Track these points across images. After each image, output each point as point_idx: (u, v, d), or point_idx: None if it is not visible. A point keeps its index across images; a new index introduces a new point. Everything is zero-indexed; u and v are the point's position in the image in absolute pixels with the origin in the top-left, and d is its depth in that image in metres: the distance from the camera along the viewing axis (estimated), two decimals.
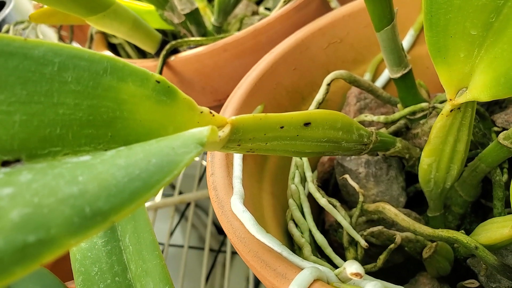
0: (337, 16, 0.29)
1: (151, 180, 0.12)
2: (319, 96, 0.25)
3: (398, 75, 0.24)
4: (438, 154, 0.21)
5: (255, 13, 0.41)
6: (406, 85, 0.24)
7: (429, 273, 0.23)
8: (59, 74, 0.14)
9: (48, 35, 0.74)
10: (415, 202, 0.27)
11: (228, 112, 0.25)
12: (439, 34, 0.17)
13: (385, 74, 0.31)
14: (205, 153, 0.47)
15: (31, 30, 0.62)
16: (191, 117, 0.15)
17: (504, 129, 0.27)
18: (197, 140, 0.14)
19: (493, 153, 0.22)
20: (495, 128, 0.27)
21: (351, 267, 0.14)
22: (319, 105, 0.25)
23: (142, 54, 0.44)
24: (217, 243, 0.61)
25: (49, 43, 0.14)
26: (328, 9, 0.32)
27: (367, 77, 0.31)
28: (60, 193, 0.10)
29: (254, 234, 0.17)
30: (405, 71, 0.24)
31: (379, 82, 0.31)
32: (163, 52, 0.31)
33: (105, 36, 0.44)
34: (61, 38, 0.61)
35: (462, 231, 0.22)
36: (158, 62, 0.31)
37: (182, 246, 0.50)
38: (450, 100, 0.19)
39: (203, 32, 0.35)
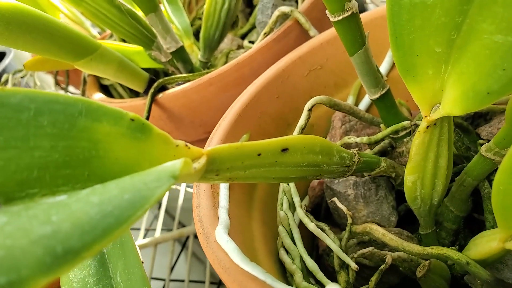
0: (315, 43, 0.30)
1: (123, 215, 0.12)
2: (301, 122, 0.26)
3: (377, 96, 0.24)
4: (421, 171, 0.21)
5: (240, 46, 0.43)
6: (386, 105, 0.25)
7: None
8: (35, 119, 0.14)
9: (46, 80, 0.76)
10: (407, 221, 0.27)
11: (214, 143, 0.25)
12: (406, 54, 0.18)
13: (368, 97, 0.32)
14: None
15: (29, 77, 0.64)
16: (167, 151, 0.16)
17: (489, 141, 0.27)
18: (170, 173, 0.14)
19: (477, 166, 0.22)
20: (481, 141, 0.27)
21: None
22: (302, 131, 0.26)
23: (134, 93, 0.45)
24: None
25: (26, 91, 0.14)
26: (308, 37, 0.33)
27: (350, 100, 0.31)
28: (33, 234, 0.11)
29: (238, 264, 0.17)
30: (383, 91, 0.24)
31: (363, 105, 0.32)
32: (151, 90, 0.32)
33: (97, 78, 0.45)
34: (57, 83, 0.62)
35: (454, 247, 0.22)
36: (147, 100, 0.32)
37: (183, 281, 0.49)
38: (425, 116, 0.19)
39: (189, 68, 0.36)
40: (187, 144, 0.16)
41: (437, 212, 0.24)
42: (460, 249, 0.24)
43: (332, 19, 0.21)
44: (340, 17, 0.21)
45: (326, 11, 0.21)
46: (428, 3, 0.16)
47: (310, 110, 0.25)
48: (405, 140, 0.26)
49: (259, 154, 0.17)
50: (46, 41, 0.26)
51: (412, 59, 0.18)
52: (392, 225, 0.26)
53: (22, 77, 0.71)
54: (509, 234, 0.18)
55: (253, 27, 0.44)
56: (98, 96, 0.39)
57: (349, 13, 0.20)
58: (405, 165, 0.26)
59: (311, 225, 0.23)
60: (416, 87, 0.19)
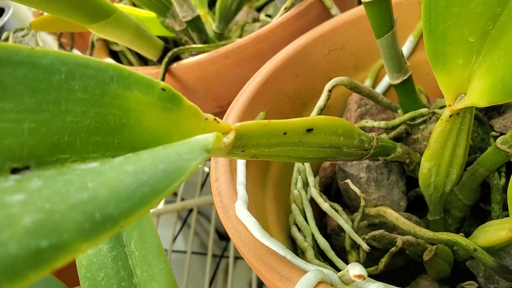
0: (338, 23, 0.30)
1: (159, 185, 0.12)
2: (320, 102, 0.25)
3: (398, 81, 0.24)
4: (438, 158, 0.21)
5: (256, 20, 0.42)
6: (406, 91, 0.25)
7: (429, 275, 0.24)
8: (66, 83, 0.14)
9: (48, 42, 0.74)
10: (416, 206, 0.27)
11: (231, 118, 0.25)
12: (438, 41, 0.18)
13: (386, 80, 0.31)
14: (208, 160, 0.47)
15: (31, 37, 0.63)
16: (196, 124, 0.16)
17: (502, 133, 0.27)
18: (203, 147, 0.14)
19: (491, 158, 0.22)
20: (493, 133, 0.27)
21: (354, 269, 0.14)
22: (321, 111, 0.26)
23: (143, 61, 0.44)
24: (220, 249, 0.61)
25: (56, 52, 0.14)
26: (329, 16, 0.32)
27: (367, 83, 0.31)
28: (71, 199, 0.11)
29: (259, 238, 0.17)
30: (405, 77, 0.24)
31: (380, 88, 0.31)
32: (165, 59, 0.32)
33: (106, 43, 0.44)
34: (61, 45, 0.61)
35: (462, 234, 0.22)
36: (161, 69, 0.32)
37: (185, 252, 0.50)
38: (449, 105, 0.19)
39: (204, 39, 0.35)
40: (216, 118, 0.16)
41: (446, 200, 0.25)
42: (465, 236, 0.24)
43: (364, 0, 0.21)
44: None
45: None
46: None
47: (330, 91, 0.25)
48: (421, 127, 0.26)
49: (285, 133, 0.17)
50: (62, 1, 0.25)
51: (444, 47, 0.18)
52: (402, 209, 0.26)
53: (23, 36, 0.70)
54: None
55: (269, 0, 0.44)
56: (108, 61, 0.39)
57: None
58: (419, 152, 0.26)
59: (325, 205, 0.23)
60: (444, 75, 0.18)
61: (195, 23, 0.34)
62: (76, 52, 0.68)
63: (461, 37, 0.17)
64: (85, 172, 0.13)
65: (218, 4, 0.37)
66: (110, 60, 0.40)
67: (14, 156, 0.13)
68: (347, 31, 0.30)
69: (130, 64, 0.42)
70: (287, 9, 0.32)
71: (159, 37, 0.40)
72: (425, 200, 0.25)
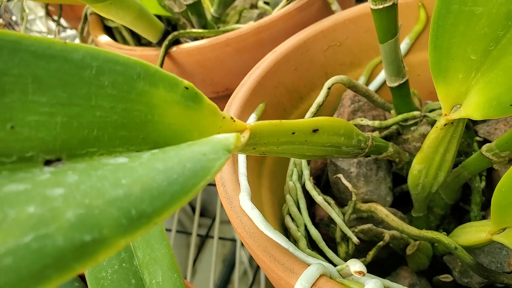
0: (339, 20, 0.31)
1: (188, 184, 0.13)
2: (319, 98, 0.26)
3: (396, 84, 0.25)
4: (429, 162, 0.23)
5: (253, 5, 0.42)
6: (402, 94, 0.26)
7: (409, 267, 0.26)
8: (96, 78, 0.14)
9: (33, 9, 0.72)
10: (400, 202, 0.29)
11: (233, 109, 0.26)
12: (442, 55, 0.19)
13: (379, 79, 0.33)
14: None
15: (17, 2, 0.60)
16: (214, 122, 0.16)
17: (485, 139, 0.29)
18: (225, 147, 0.15)
19: (475, 163, 0.24)
20: (477, 138, 0.29)
21: (355, 266, 0.16)
22: (319, 107, 0.27)
23: (137, 38, 0.44)
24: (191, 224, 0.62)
25: (87, 47, 0.14)
26: (329, 11, 0.33)
27: (361, 80, 0.32)
28: (107, 195, 0.11)
29: (263, 230, 0.19)
30: (402, 81, 0.25)
31: (373, 86, 0.33)
32: (165, 43, 0.32)
33: (101, 18, 0.43)
34: (48, 14, 0.59)
35: (443, 232, 0.24)
36: (160, 52, 0.32)
37: (170, 230, 0.51)
38: (445, 115, 0.20)
39: (203, 23, 0.35)
40: (232, 117, 0.17)
41: (430, 199, 0.26)
42: (445, 232, 0.26)
43: (372, 7, 0.21)
44: (381, 6, 0.21)
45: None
46: (476, 12, 0.17)
47: (329, 88, 0.26)
48: (412, 128, 0.27)
49: (293, 133, 0.18)
50: None
51: (447, 62, 0.19)
52: (388, 204, 0.28)
53: (8, 1, 0.67)
54: (498, 228, 0.20)
55: None
56: (104, 39, 0.38)
57: (390, 3, 0.21)
58: (408, 151, 0.28)
59: (319, 198, 0.24)
60: (444, 87, 0.20)
61: (196, 7, 0.34)
62: (63, 22, 0.66)
63: (464, 54, 0.18)
64: (117, 168, 0.13)
65: None
66: (104, 37, 0.40)
67: (48, 148, 0.13)
68: (347, 29, 0.31)
69: (124, 41, 0.41)
70: (288, 1, 0.33)
71: (156, 16, 0.39)
72: (409, 197, 0.27)
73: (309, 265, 0.17)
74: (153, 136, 0.15)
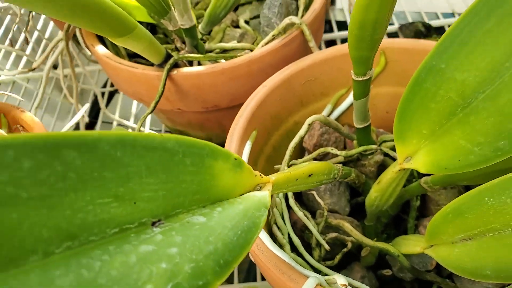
0: (317, 59, 0.37)
1: (247, 237, 0.19)
2: (301, 132, 0.33)
3: (361, 126, 0.33)
4: (383, 192, 0.31)
5: (234, 22, 0.46)
6: (365, 133, 0.34)
7: (361, 263, 0.34)
8: (182, 160, 0.20)
9: None
10: (355, 211, 0.38)
11: (235, 139, 0.32)
12: (403, 127, 0.26)
13: (342, 107, 0.40)
14: None
15: None
16: (250, 179, 0.23)
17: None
18: (264, 205, 0.21)
19: (415, 189, 0.33)
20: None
21: (340, 279, 0.23)
22: (301, 139, 0.33)
23: (128, 50, 0.46)
24: None
25: (175, 137, 0.20)
26: (307, 47, 0.39)
27: (328, 107, 0.39)
28: (204, 250, 0.18)
29: (271, 249, 0.25)
30: (366, 124, 0.33)
31: (337, 112, 0.40)
32: (167, 67, 0.36)
33: None
34: None
35: (385, 235, 0.33)
36: (163, 74, 0.36)
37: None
38: (400, 164, 0.28)
39: (195, 43, 0.40)
40: (261, 174, 0.23)
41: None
42: (387, 236, 0.35)
43: (354, 78, 0.28)
44: (360, 79, 0.28)
45: (351, 72, 0.28)
46: (430, 106, 0.25)
47: (310, 124, 0.33)
48: (369, 157, 0.35)
49: (297, 179, 0.25)
50: (97, 21, 0.28)
51: (406, 132, 0.26)
52: (346, 214, 0.36)
53: None
54: (429, 245, 0.29)
55: (246, 2, 0.48)
56: (102, 50, 0.41)
57: (368, 77, 0.28)
58: (364, 174, 0.36)
59: (300, 213, 0.32)
60: (401, 146, 0.27)
61: (190, 31, 0.38)
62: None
63: (419, 129, 0.26)
64: (203, 228, 0.19)
65: (208, 10, 0.41)
66: (100, 47, 0.42)
67: (153, 214, 0.19)
68: (322, 67, 0.38)
69: (116, 52, 0.44)
70: (274, 36, 0.38)
71: (141, 22, 0.42)
72: (362, 207, 0.35)
73: (308, 277, 0.24)
74: (213, 195, 0.21)
